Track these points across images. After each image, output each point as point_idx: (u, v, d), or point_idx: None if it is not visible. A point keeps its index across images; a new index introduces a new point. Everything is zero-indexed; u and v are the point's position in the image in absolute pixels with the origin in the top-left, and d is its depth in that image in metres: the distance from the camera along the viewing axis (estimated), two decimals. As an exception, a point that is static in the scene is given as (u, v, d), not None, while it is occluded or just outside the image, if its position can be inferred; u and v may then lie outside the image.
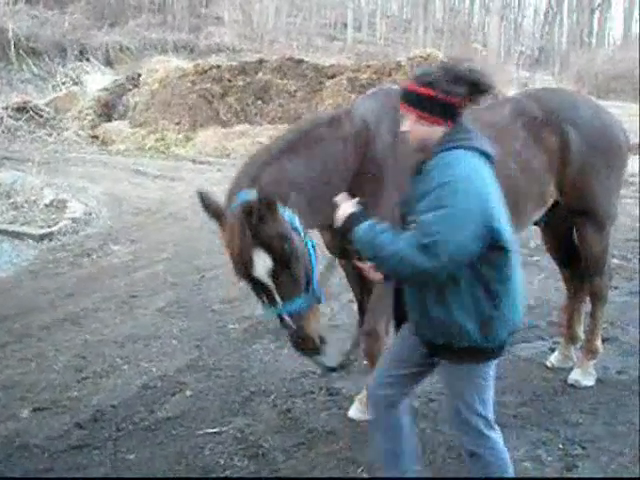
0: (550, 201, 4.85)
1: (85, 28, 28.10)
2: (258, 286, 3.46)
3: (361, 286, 4.64)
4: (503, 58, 35.26)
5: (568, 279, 5.60)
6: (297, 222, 3.52)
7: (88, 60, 24.65)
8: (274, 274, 3.36)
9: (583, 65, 33.71)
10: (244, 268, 3.36)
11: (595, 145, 4.79)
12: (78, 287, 7.50)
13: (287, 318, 3.47)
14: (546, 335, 6.28)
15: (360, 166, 4.01)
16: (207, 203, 3.51)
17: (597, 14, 44.79)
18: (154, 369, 5.53)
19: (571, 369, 5.39)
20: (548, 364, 5.60)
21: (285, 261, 3.35)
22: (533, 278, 7.92)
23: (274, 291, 3.42)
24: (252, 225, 3.27)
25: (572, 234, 5.47)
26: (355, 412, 4.75)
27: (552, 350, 5.80)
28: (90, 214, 10.88)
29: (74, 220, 10.35)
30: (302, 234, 3.52)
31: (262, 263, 3.35)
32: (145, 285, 7.66)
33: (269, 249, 3.32)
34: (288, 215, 3.47)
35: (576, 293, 5.53)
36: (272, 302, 3.47)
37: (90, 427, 4.68)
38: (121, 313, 6.76)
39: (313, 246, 3.58)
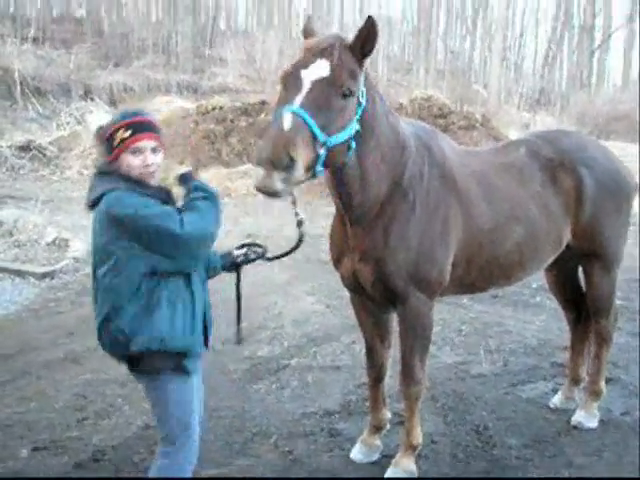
0: (564, 244, 4.86)
1: (90, 68, 28.42)
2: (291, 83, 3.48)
3: (372, 322, 4.58)
4: (504, 99, 35.52)
5: (572, 320, 5.60)
6: (363, 100, 3.62)
7: (92, 100, 24.83)
8: (320, 86, 3.40)
9: (583, 106, 33.94)
10: (302, 62, 3.49)
11: (607, 187, 4.83)
12: (79, 326, 7.47)
13: (287, 119, 3.32)
14: (549, 376, 6.26)
15: None
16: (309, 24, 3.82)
17: (597, 55, 45.25)
18: (155, 409, 5.49)
19: (574, 410, 5.36)
20: (551, 405, 5.58)
21: (338, 88, 3.41)
22: (535, 319, 7.92)
23: (303, 94, 3.40)
24: (343, 45, 3.47)
25: (577, 275, 5.49)
26: (357, 454, 4.71)
27: (555, 391, 5.78)
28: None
29: (76, 259, 10.34)
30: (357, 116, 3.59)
31: (320, 69, 3.42)
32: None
33: (336, 68, 3.42)
34: (362, 90, 3.61)
35: (580, 334, 5.53)
36: (288, 100, 3.43)
37: (90, 467, 4.65)
38: (122, 352, 6.69)
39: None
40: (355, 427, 5.12)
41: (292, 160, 3.21)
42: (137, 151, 3.30)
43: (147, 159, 3.32)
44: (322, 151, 3.37)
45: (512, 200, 4.49)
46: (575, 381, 5.57)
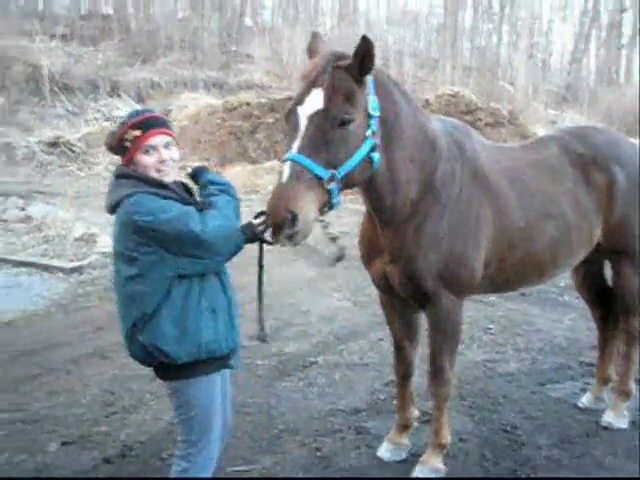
0: (595, 241, 4.79)
1: (117, 65, 28.60)
2: (292, 123, 3.42)
3: (401, 321, 4.56)
4: (531, 96, 35.20)
5: (600, 319, 5.53)
6: (376, 111, 3.54)
7: (119, 96, 25.04)
8: (316, 120, 3.33)
9: (611, 103, 33.56)
10: (299, 96, 3.42)
11: (637, 183, 4.77)
12: (107, 321, 7.50)
13: (286, 171, 3.25)
14: (577, 375, 6.20)
15: None
16: (313, 42, 3.76)
17: (625, 51, 44.70)
18: (182, 405, 5.51)
19: (603, 411, 5.30)
20: (580, 405, 5.52)
21: (334, 120, 3.33)
22: (563, 317, 7.85)
23: (299, 136, 3.33)
24: (338, 66, 3.41)
25: (603, 273, 5.43)
26: (384, 452, 4.69)
27: (584, 391, 5.72)
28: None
29: (104, 254, 10.38)
30: (371, 130, 3.50)
31: (314, 102, 3.35)
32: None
33: (330, 96, 3.34)
34: (372, 100, 3.52)
35: (609, 333, 5.44)
36: (289, 146, 3.37)
37: (118, 463, 4.67)
38: (150, 348, 6.72)
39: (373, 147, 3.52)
40: (383, 425, 5.09)
41: (294, 215, 3.15)
42: (150, 149, 3.27)
43: (162, 155, 3.29)
44: (332, 185, 3.31)
45: (544, 197, 4.43)
46: (604, 381, 5.49)
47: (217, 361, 3.36)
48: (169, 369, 3.31)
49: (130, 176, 3.29)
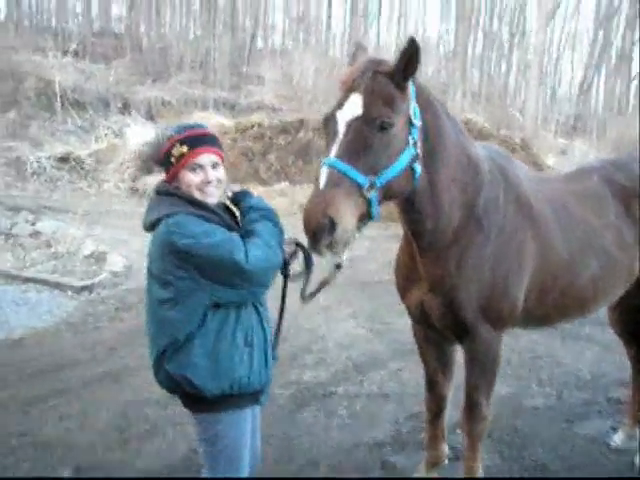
0: (635, 276, 4.60)
1: (129, 83, 28.58)
2: (330, 129, 3.26)
3: (436, 355, 4.37)
4: (540, 125, 35.17)
5: (634, 356, 5.32)
6: (417, 119, 3.36)
7: (130, 114, 24.97)
8: (355, 125, 3.16)
9: (620, 132, 33.47)
10: (338, 102, 3.27)
11: None
12: (119, 342, 7.35)
13: (323, 176, 3.06)
14: (605, 412, 6.00)
15: None
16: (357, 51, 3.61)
17: (636, 81, 44.73)
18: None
19: (637, 451, 5.10)
20: (612, 444, 5.31)
21: (373, 124, 3.15)
22: (586, 351, 7.64)
23: (338, 141, 3.16)
24: (378, 71, 3.24)
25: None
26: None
27: (614, 429, 5.52)
28: (130, 267, 10.75)
29: (114, 273, 10.25)
30: (412, 137, 3.31)
31: (353, 107, 3.20)
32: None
33: (370, 100, 3.19)
34: (414, 108, 3.35)
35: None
36: (328, 151, 3.19)
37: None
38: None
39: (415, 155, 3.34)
40: (408, 460, 4.90)
41: (332, 221, 2.98)
42: (197, 167, 3.10)
43: (208, 175, 3.11)
44: (372, 194, 3.13)
45: (588, 229, 4.27)
46: (637, 420, 5.30)
47: (249, 396, 3.19)
48: (198, 401, 3.13)
49: (172, 194, 3.12)
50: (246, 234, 3.09)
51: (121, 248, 11.91)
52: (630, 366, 5.40)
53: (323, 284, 3.44)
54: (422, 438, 4.96)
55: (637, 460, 5.02)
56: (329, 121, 3.30)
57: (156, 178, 19.26)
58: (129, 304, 8.93)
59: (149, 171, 19.78)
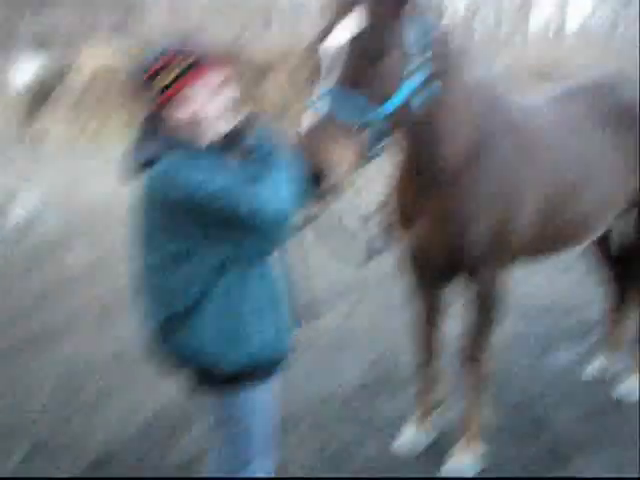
0: (625, 203, 4.37)
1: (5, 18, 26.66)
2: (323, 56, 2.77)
3: (431, 297, 4.06)
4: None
5: (613, 279, 5.08)
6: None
7: (13, 49, 23.28)
8: (353, 49, 2.68)
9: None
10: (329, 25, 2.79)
11: None
12: (35, 304, 6.58)
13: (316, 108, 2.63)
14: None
15: None
16: None
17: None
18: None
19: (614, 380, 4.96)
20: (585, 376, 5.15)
21: (368, 48, 2.69)
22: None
23: (334, 68, 2.69)
24: None
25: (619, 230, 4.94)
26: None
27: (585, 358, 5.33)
28: (34, 219, 9.77)
29: (17, 227, 9.28)
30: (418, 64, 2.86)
31: (345, 31, 2.72)
32: (116, 296, 6.46)
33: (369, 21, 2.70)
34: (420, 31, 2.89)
35: (627, 295, 5.01)
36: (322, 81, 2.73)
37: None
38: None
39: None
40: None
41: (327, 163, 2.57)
42: (185, 100, 2.41)
43: (205, 106, 2.43)
44: (376, 124, 2.73)
45: (584, 157, 4.00)
46: (616, 347, 5.13)
47: (270, 366, 2.63)
48: (213, 376, 2.56)
49: (160, 129, 2.46)
50: (250, 174, 2.41)
51: (20, 198, 10.80)
52: (609, 290, 5.15)
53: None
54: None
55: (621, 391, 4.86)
56: (319, 47, 2.80)
57: (47, 119, 17.99)
58: (38, 260, 8.07)
59: (40, 111, 18.53)
